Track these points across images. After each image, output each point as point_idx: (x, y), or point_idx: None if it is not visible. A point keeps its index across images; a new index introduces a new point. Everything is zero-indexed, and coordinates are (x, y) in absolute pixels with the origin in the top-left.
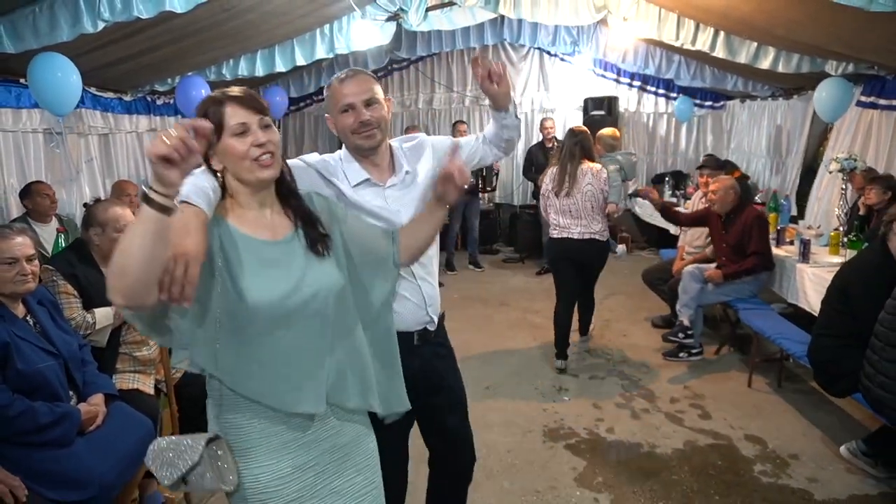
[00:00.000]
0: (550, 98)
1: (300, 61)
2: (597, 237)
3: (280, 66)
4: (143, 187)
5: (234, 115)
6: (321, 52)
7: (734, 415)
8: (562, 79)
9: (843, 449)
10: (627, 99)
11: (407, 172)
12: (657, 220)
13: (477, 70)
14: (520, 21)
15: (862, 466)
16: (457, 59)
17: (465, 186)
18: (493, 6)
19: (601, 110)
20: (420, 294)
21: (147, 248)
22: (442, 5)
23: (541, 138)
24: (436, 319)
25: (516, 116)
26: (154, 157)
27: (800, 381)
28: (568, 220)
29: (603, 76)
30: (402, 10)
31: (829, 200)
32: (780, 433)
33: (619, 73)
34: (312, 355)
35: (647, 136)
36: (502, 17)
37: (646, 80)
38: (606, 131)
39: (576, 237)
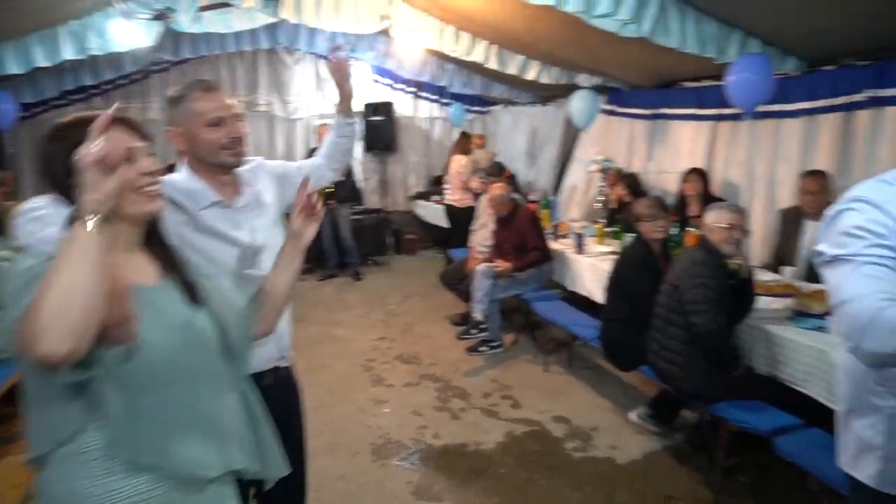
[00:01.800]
0: (328, 104)
1: (41, 62)
2: None
3: (13, 68)
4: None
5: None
6: (69, 53)
7: (539, 399)
8: None
9: (632, 415)
10: (404, 105)
11: (251, 193)
12: (440, 220)
13: (333, 66)
14: (297, 25)
15: (649, 427)
16: (226, 64)
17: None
18: (272, 10)
19: (380, 115)
20: None
21: (94, 275)
22: (215, 6)
23: (318, 145)
24: (288, 355)
25: (356, 123)
26: (91, 162)
27: (586, 359)
28: None
29: (380, 82)
30: (169, 9)
31: (582, 194)
32: (579, 410)
33: (394, 80)
34: (200, 412)
35: (423, 139)
36: (281, 20)
37: (420, 86)
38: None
39: None
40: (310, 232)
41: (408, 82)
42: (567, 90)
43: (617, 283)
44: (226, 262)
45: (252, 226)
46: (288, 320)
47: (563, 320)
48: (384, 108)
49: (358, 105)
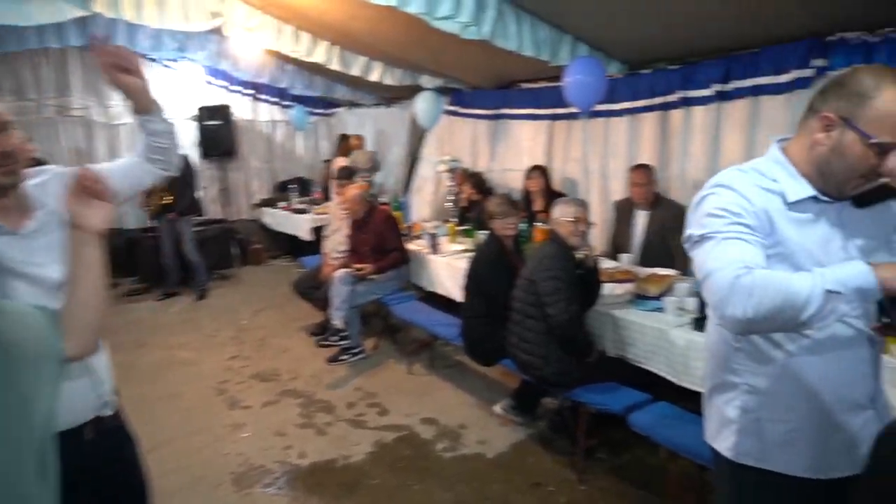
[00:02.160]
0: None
1: None
2: None
3: None
4: None
5: None
6: None
7: (406, 403)
8: (167, 87)
9: (496, 408)
10: (242, 108)
11: (44, 213)
12: (286, 227)
13: (102, 58)
14: (113, 21)
15: (513, 419)
16: (29, 63)
17: (110, 201)
18: (80, 2)
19: (216, 119)
20: (88, 369)
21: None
22: None
23: None
24: (111, 401)
25: (163, 120)
26: None
27: (448, 358)
28: None
29: (214, 84)
30: None
31: (432, 194)
32: (445, 409)
33: (230, 82)
34: None
35: (265, 144)
36: (93, 14)
37: (259, 88)
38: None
39: None
40: (96, 215)
41: (245, 84)
42: (411, 91)
43: (474, 280)
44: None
45: (47, 253)
46: (107, 361)
47: (423, 321)
48: (221, 112)
49: (190, 108)
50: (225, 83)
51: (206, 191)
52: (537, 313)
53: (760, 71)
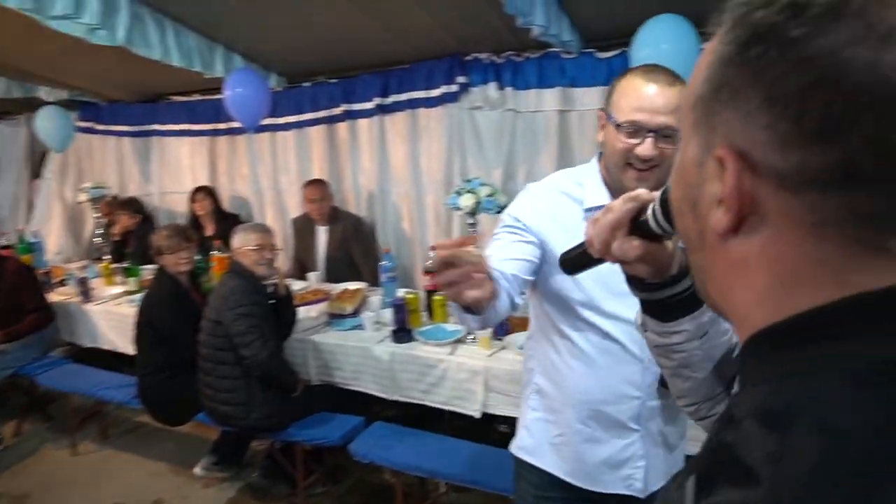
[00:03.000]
0: None
1: None
2: None
3: None
4: None
5: None
6: None
7: (77, 496)
8: None
9: (196, 470)
10: None
11: None
12: None
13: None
14: None
15: (218, 475)
16: None
17: None
18: None
19: None
20: None
21: None
22: None
23: None
24: None
25: None
26: None
27: (124, 422)
28: None
29: None
30: None
31: (67, 230)
32: (133, 488)
33: None
34: None
35: None
36: None
37: None
38: None
39: None
40: None
41: None
42: (27, 106)
43: (148, 327)
44: None
45: None
46: None
47: (84, 387)
48: None
49: None
50: None
51: None
52: (231, 357)
53: (415, 85)
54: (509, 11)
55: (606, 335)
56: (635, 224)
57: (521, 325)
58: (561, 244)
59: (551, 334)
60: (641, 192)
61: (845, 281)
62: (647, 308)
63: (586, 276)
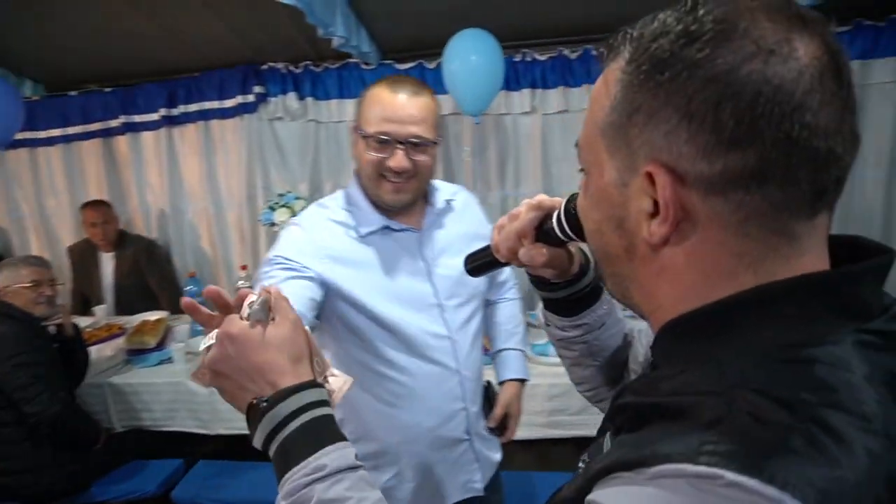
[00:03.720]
0: None
1: None
2: None
3: None
4: None
5: None
6: None
7: None
8: None
9: None
10: None
11: None
12: None
13: None
14: None
15: None
16: None
17: None
18: None
19: None
20: None
21: None
22: None
23: None
24: None
25: None
26: None
27: None
28: None
29: None
30: None
31: None
32: None
33: None
34: None
35: None
36: None
37: None
38: None
39: None
40: None
41: None
42: None
43: None
44: None
45: None
46: None
47: None
48: None
49: None
50: None
51: None
52: (9, 417)
53: (206, 95)
54: (311, 21)
55: (422, 355)
56: (540, 231)
57: None
58: (346, 277)
59: (363, 375)
60: (543, 199)
61: (760, 270)
62: (550, 305)
63: (379, 296)
